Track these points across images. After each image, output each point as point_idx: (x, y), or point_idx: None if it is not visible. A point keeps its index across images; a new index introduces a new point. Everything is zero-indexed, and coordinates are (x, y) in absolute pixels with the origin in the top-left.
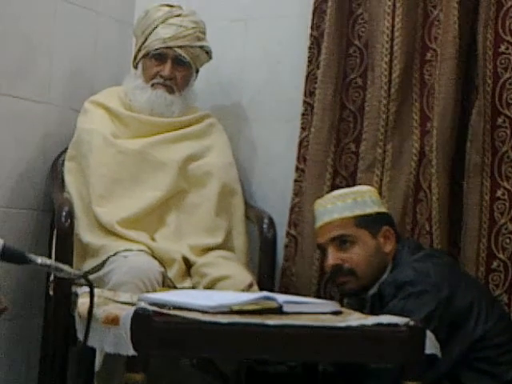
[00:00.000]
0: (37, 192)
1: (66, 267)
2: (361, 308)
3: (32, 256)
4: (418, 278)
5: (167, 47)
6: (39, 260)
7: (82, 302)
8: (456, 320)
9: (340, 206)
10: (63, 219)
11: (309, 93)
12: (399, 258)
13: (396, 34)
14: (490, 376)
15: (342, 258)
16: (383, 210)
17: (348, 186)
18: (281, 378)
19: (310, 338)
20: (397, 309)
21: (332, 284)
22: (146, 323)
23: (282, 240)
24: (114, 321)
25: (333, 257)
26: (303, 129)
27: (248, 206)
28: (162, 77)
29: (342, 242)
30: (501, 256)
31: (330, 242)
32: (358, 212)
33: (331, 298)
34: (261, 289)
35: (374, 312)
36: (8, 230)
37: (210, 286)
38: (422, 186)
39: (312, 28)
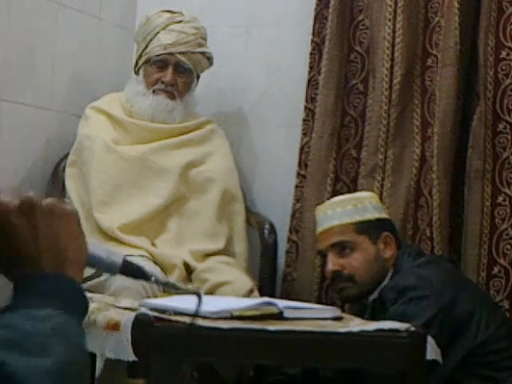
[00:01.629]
0: None
1: (179, 284)
2: (362, 314)
3: (150, 273)
4: (420, 284)
5: (168, 53)
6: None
7: None
8: (457, 326)
9: (340, 212)
10: None
11: (310, 99)
12: (400, 264)
13: (397, 40)
14: (491, 382)
15: (342, 264)
16: (384, 215)
17: (349, 191)
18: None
19: (310, 344)
20: (398, 314)
21: (332, 290)
22: (146, 329)
23: (282, 246)
24: (114, 326)
25: (332, 263)
26: (304, 134)
27: (249, 211)
28: (163, 83)
29: (342, 248)
30: (502, 262)
31: (330, 249)
32: (358, 218)
33: (333, 304)
34: (261, 294)
35: (375, 317)
36: None
37: (211, 292)
38: (422, 192)
39: (313, 34)
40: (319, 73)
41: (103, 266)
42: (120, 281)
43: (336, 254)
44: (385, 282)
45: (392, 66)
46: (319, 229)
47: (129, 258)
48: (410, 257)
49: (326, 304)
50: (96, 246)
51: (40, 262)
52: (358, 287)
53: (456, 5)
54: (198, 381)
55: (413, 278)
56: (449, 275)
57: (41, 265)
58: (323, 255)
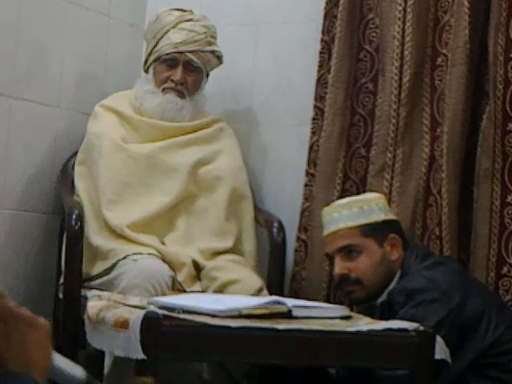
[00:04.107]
0: (47, 195)
1: None
2: (370, 315)
3: None
4: (428, 286)
5: (178, 52)
6: None
7: (92, 306)
8: (466, 327)
9: (346, 214)
10: (73, 222)
11: (319, 97)
12: (408, 266)
13: (407, 38)
14: (500, 382)
15: (349, 268)
16: (390, 217)
17: (358, 190)
18: (293, 380)
19: (319, 343)
20: (407, 317)
21: (340, 292)
22: (155, 327)
23: (291, 244)
24: (123, 324)
25: (339, 266)
26: (313, 133)
27: (258, 210)
28: (173, 81)
29: (349, 251)
30: (511, 261)
31: (337, 252)
32: (364, 221)
33: (341, 303)
34: (270, 293)
35: (383, 320)
36: (18, 233)
37: (220, 290)
38: (432, 191)
39: (323, 32)
40: (328, 71)
41: (64, 378)
42: (129, 279)
43: (343, 258)
44: (392, 284)
45: (401, 65)
46: (326, 231)
47: (91, 379)
48: (417, 258)
49: (335, 303)
50: (60, 359)
51: (7, 361)
52: (366, 290)
53: (466, 3)
54: (206, 378)
55: (421, 281)
56: (457, 277)
57: (8, 364)
58: (330, 258)
